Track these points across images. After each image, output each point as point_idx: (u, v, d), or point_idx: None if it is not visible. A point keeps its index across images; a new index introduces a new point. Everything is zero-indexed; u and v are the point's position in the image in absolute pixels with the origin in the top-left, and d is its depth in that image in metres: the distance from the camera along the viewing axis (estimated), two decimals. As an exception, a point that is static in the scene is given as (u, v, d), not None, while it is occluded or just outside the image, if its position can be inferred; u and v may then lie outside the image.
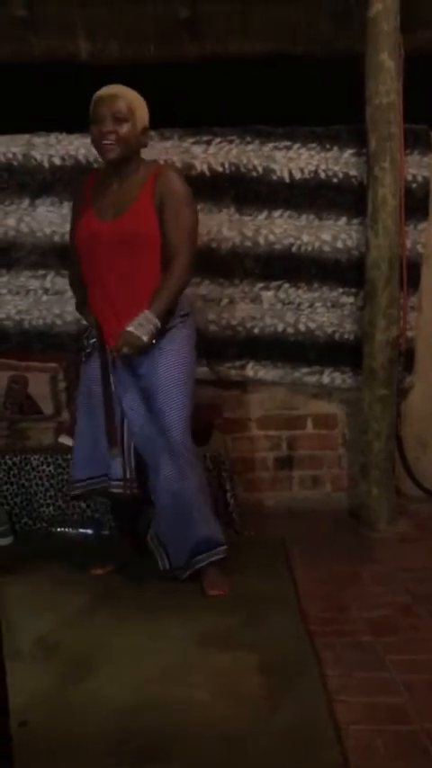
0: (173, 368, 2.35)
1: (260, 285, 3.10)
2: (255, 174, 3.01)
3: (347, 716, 1.71)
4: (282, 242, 3.06)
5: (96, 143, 2.33)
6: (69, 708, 1.77)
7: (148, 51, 2.90)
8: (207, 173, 2.99)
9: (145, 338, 2.26)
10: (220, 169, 3.00)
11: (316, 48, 2.97)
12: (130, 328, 2.27)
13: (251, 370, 3.17)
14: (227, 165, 3.00)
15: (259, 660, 1.95)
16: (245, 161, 3.00)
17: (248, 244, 3.06)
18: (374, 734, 1.64)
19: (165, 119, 2.66)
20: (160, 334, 2.31)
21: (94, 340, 2.42)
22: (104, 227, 2.33)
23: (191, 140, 3.00)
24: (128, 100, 2.30)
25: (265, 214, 3.04)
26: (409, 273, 2.95)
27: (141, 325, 2.26)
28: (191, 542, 2.35)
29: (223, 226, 3.03)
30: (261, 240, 3.06)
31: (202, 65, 2.92)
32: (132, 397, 2.36)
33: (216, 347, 3.10)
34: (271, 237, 3.06)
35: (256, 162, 3.00)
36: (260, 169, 3.01)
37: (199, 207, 2.98)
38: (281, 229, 3.05)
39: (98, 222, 2.35)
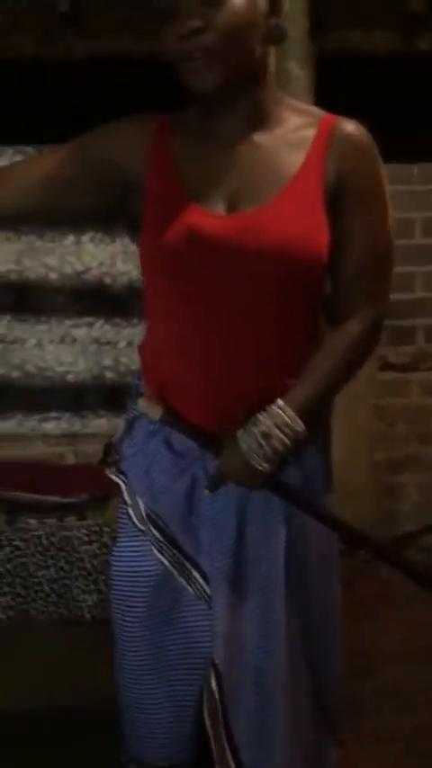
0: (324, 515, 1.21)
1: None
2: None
3: None
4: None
5: (175, 59, 1.06)
6: None
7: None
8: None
9: (264, 466, 1.11)
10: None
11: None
12: (242, 444, 1.11)
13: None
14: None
15: None
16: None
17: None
18: None
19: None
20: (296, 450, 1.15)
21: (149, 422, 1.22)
22: (219, 224, 1.10)
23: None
24: None
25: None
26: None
27: (264, 436, 1.10)
28: None
29: (117, 258, 2.66)
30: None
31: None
32: (223, 562, 1.19)
33: (114, 396, 2.70)
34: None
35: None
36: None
37: (90, 236, 2.66)
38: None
39: (205, 215, 1.11)
